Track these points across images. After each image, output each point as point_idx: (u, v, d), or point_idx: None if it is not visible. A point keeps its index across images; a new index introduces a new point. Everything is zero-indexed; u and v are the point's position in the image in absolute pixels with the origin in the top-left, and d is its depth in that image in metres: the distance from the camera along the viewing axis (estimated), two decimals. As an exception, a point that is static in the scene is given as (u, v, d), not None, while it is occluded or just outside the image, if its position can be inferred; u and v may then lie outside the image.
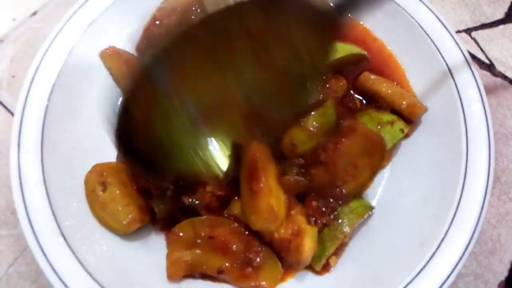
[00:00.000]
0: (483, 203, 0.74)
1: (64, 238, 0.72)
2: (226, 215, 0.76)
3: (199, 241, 0.74)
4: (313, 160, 0.74)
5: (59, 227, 0.73)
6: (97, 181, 0.77)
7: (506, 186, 0.92)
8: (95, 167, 0.79)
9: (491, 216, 0.89)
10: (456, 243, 0.72)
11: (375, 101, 0.87)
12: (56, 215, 0.73)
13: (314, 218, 0.74)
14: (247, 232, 0.74)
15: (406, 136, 0.87)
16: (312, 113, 0.73)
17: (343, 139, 0.73)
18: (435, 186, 0.80)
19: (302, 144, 0.74)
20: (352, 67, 0.90)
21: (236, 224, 0.75)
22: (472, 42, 1.07)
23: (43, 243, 0.71)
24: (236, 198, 0.77)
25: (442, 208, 0.76)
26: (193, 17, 0.84)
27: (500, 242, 0.87)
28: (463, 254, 0.71)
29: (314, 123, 0.73)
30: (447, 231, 0.73)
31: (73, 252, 0.71)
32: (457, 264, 0.71)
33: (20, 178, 0.74)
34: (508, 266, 0.85)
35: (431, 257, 0.72)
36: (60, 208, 0.74)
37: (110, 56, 0.88)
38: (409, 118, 0.85)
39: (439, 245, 0.73)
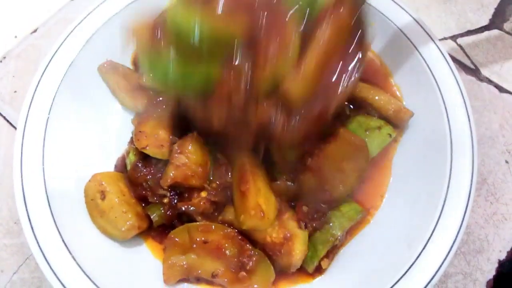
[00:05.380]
0: (467, 204, 0.77)
1: (66, 246, 0.75)
2: (220, 221, 0.79)
3: (194, 246, 0.77)
4: (301, 166, 0.77)
5: (61, 236, 0.76)
6: (96, 190, 0.80)
7: (492, 187, 0.94)
8: (95, 176, 0.82)
9: (478, 216, 0.92)
10: (442, 243, 0.75)
11: (363, 107, 0.91)
12: (57, 224, 0.77)
13: (304, 223, 0.77)
14: (240, 237, 0.77)
15: (395, 141, 0.90)
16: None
17: (327, 145, 0.75)
18: (422, 188, 0.82)
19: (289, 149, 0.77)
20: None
21: (229, 229, 0.78)
22: (458, 48, 1.10)
23: (46, 251, 0.74)
24: (230, 205, 0.80)
25: (429, 209, 0.78)
26: None
27: (487, 242, 0.89)
28: (448, 253, 0.74)
29: None
30: (433, 231, 0.76)
31: (75, 259, 0.75)
32: (442, 263, 0.73)
33: (23, 190, 0.77)
34: (496, 265, 0.87)
35: (418, 256, 0.74)
36: (62, 217, 0.78)
37: (108, 70, 0.92)
38: (396, 123, 0.88)
39: (426, 245, 0.75)
